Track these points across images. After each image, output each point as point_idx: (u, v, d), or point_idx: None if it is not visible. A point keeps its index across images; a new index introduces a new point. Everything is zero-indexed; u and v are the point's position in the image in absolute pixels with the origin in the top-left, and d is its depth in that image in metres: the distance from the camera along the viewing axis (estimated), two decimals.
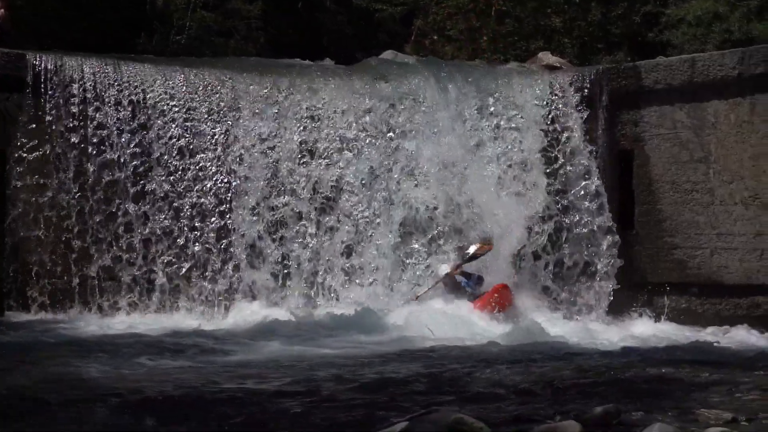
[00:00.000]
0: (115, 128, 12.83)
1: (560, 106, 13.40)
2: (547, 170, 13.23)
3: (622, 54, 18.17)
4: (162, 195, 12.83)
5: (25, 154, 12.59)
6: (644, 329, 12.09)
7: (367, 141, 13.28)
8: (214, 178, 12.98)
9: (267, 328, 11.30)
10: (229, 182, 12.99)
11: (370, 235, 13.03)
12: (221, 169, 12.99)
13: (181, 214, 12.83)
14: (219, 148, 13.04)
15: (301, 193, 13.05)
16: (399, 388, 7.66)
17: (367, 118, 13.36)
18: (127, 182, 12.77)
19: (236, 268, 12.83)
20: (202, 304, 12.74)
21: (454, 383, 7.93)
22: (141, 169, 12.85)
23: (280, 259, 12.90)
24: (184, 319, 12.24)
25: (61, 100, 12.72)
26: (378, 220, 13.08)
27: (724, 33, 16.36)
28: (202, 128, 13.06)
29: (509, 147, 13.34)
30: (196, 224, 12.86)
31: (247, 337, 10.81)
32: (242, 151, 13.07)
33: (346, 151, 13.21)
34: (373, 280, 12.79)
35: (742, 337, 11.82)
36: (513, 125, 13.41)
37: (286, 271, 12.87)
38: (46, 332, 11.11)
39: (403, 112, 13.44)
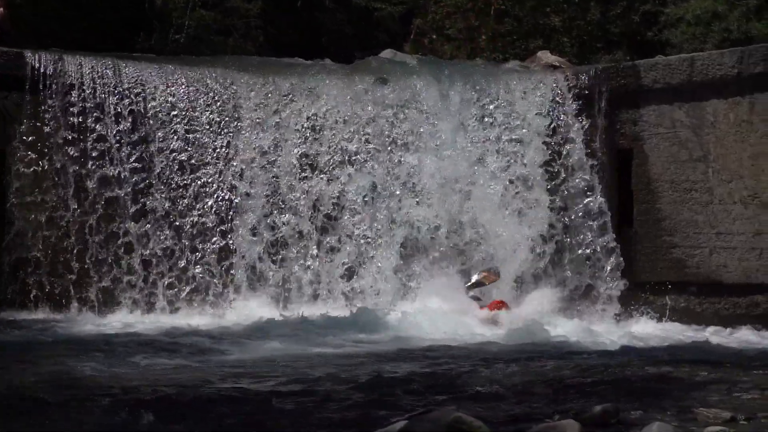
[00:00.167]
0: (114, 141, 12.70)
1: (561, 115, 13.24)
2: (549, 186, 13.05)
3: (621, 53, 18.16)
4: (163, 213, 12.70)
5: (23, 169, 12.47)
6: (643, 328, 12.09)
7: (370, 154, 13.07)
8: (215, 195, 12.83)
9: (264, 328, 11.25)
10: (230, 199, 12.82)
11: (372, 257, 12.81)
12: (222, 185, 12.81)
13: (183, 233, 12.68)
14: (221, 163, 12.86)
15: (302, 211, 12.86)
16: (397, 387, 7.65)
17: (370, 129, 13.15)
18: (127, 199, 12.62)
19: (237, 290, 12.66)
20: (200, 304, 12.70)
21: (452, 382, 7.93)
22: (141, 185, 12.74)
23: (281, 282, 12.69)
24: (182, 318, 12.17)
25: (59, 112, 12.59)
26: (380, 241, 12.86)
27: (723, 32, 16.34)
28: (204, 140, 12.90)
29: (511, 161, 13.14)
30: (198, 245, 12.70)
31: (244, 336, 10.77)
32: (243, 166, 12.89)
33: (348, 165, 13.01)
34: (374, 305, 12.38)
35: (740, 336, 11.82)
36: (515, 137, 13.22)
37: (286, 294, 12.68)
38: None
39: (404, 123, 13.22)
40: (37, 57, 12.74)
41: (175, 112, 12.96)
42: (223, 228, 12.81)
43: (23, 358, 8.98)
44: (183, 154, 12.88)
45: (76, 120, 12.69)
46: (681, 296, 12.81)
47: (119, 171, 12.68)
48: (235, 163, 12.92)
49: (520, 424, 6.15)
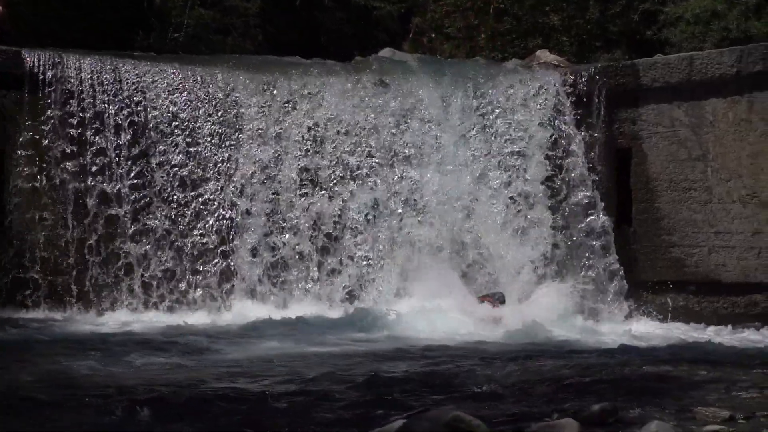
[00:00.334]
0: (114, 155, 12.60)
1: (562, 125, 13.12)
2: (550, 204, 12.91)
3: (620, 52, 18.16)
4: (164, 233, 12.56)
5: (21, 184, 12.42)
6: (642, 327, 12.08)
7: (372, 169, 12.90)
8: (216, 213, 12.69)
9: (260, 327, 11.21)
10: (231, 218, 12.69)
11: (373, 280, 12.63)
12: (223, 203, 12.66)
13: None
14: (222, 179, 12.72)
15: (302, 230, 12.69)
16: (395, 386, 7.64)
17: (373, 142, 12.99)
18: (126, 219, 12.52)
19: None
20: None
21: (451, 381, 7.93)
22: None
23: (281, 305, 12.49)
24: (180, 317, 12.15)
25: (58, 123, 12.53)
26: (381, 263, 12.71)
27: (723, 31, 16.34)
28: (206, 154, 12.76)
29: (512, 176, 12.98)
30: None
31: (241, 335, 10.75)
32: (243, 182, 12.76)
33: (350, 181, 12.83)
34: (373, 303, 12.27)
35: (739, 335, 11.82)
36: (516, 149, 13.06)
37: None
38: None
39: (406, 133, 13.04)
40: (35, 56, 12.72)
41: (176, 123, 12.84)
42: (224, 249, 12.65)
43: (21, 357, 8.98)
44: (184, 169, 12.74)
45: (75, 131, 12.59)
46: (680, 295, 12.81)
47: (119, 187, 12.60)
48: (235, 179, 12.77)
49: (519, 423, 6.15)
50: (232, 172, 12.79)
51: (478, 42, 19.57)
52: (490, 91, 13.43)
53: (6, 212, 12.43)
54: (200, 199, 12.70)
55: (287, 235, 12.71)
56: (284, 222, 12.74)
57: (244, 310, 12.18)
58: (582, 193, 13.00)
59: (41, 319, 11.91)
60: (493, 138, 13.16)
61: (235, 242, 12.66)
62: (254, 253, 12.67)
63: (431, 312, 11.62)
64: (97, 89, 12.76)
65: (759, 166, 12.42)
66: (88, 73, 12.80)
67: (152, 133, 12.73)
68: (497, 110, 13.27)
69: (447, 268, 12.58)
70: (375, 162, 12.96)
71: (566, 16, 19.39)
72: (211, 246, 12.65)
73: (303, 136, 12.96)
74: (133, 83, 12.88)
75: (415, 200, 12.90)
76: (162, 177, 12.65)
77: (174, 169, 12.72)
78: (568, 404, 6.78)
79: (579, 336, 11.08)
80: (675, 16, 17.27)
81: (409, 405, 6.73)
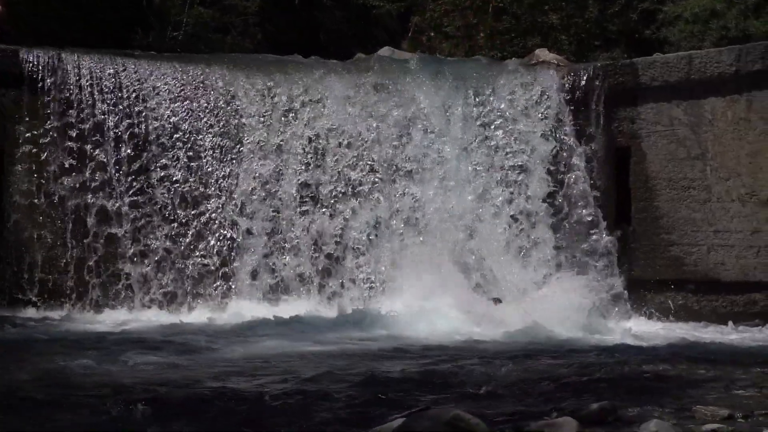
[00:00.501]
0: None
1: (563, 137, 13.00)
2: (552, 222, 12.75)
3: (619, 51, 18.19)
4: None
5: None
6: (641, 326, 12.06)
7: (375, 185, 12.74)
8: (217, 234, 12.56)
9: (257, 326, 11.17)
10: (232, 238, 12.56)
11: (377, 303, 12.26)
12: (224, 222, 12.52)
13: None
14: (224, 196, 12.60)
15: (303, 251, 12.50)
16: (394, 385, 7.64)
17: (375, 155, 12.89)
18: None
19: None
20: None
21: (450, 380, 7.92)
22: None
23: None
24: (177, 316, 12.12)
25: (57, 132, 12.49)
26: (383, 287, 12.51)
27: (721, 30, 16.37)
28: (208, 169, 12.66)
29: (515, 193, 12.80)
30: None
31: (239, 334, 10.70)
32: (243, 198, 12.61)
33: (352, 199, 12.66)
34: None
35: (738, 334, 11.82)
36: (519, 162, 12.89)
37: None
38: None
39: (407, 146, 12.88)
40: (34, 55, 12.70)
41: (177, 135, 12.74)
42: (225, 270, 12.54)
43: (18, 356, 8.98)
44: (185, 185, 12.62)
45: (75, 145, 12.55)
46: (678, 294, 12.81)
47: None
48: (235, 195, 12.65)
49: (518, 422, 6.15)
50: (233, 188, 12.67)
51: (477, 41, 19.59)
52: (491, 98, 13.27)
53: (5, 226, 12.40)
54: (202, 219, 12.58)
55: (287, 257, 12.57)
56: (285, 242, 12.58)
57: (241, 310, 12.15)
58: (584, 211, 12.86)
59: (38, 318, 11.93)
60: (494, 151, 13.01)
61: (235, 264, 12.54)
62: (254, 275, 12.53)
63: (430, 311, 11.59)
64: (97, 97, 12.70)
65: (758, 164, 12.43)
66: (87, 80, 12.75)
67: (152, 147, 12.63)
68: (498, 120, 13.14)
69: (447, 261, 12.50)
70: (378, 177, 12.79)
71: (565, 15, 19.42)
72: (213, 268, 12.53)
73: (304, 149, 12.82)
74: (134, 91, 12.81)
75: (416, 219, 12.70)
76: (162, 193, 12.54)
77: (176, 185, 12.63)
78: (567, 403, 6.78)
79: (578, 335, 11.07)
80: (674, 15, 17.31)
81: (409, 404, 6.73)
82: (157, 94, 12.81)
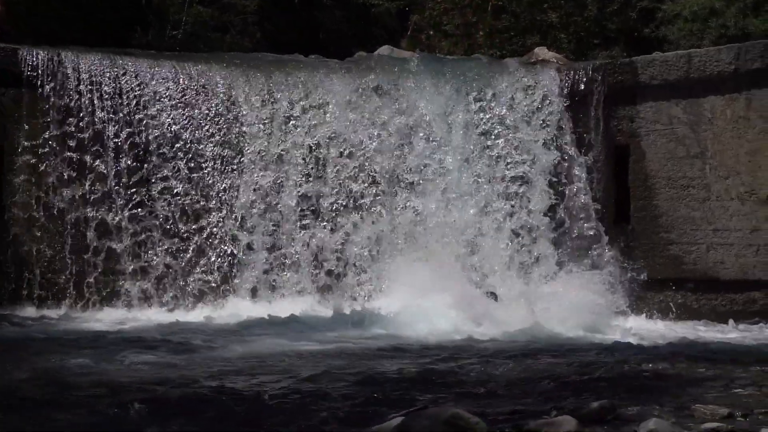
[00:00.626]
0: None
1: (564, 145, 12.88)
2: (553, 237, 12.62)
3: (619, 49, 18.19)
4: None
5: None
6: (640, 325, 12.06)
7: (378, 197, 12.60)
8: (217, 250, 12.46)
9: (257, 324, 11.15)
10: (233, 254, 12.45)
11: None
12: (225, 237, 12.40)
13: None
14: (225, 210, 12.50)
15: (303, 267, 12.38)
16: (393, 383, 7.64)
17: (377, 167, 12.76)
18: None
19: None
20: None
21: (449, 379, 7.92)
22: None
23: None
24: (174, 314, 12.09)
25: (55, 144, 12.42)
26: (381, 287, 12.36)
27: (720, 28, 16.36)
28: (209, 181, 12.54)
29: (516, 206, 12.66)
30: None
31: (236, 332, 10.68)
32: (243, 212, 12.50)
33: (353, 212, 12.49)
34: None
35: (738, 332, 11.83)
36: (520, 173, 12.76)
37: None
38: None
39: (409, 157, 12.76)
40: (33, 53, 12.69)
41: (178, 145, 12.65)
42: (226, 287, 12.45)
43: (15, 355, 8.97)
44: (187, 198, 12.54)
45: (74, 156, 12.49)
46: (678, 293, 12.80)
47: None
48: (236, 209, 12.55)
49: (517, 421, 6.15)
50: (233, 201, 12.57)
51: (476, 39, 19.59)
52: (491, 104, 13.16)
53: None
54: (204, 234, 12.47)
55: (288, 273, 12.47)
56: (285, 258, 12.47)
57: (238, 309, 12.12)
58: (586, 224, 12.77)
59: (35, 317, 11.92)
60: (495, 162, 12.91)
61: (236, 281, 12.46)
62: (254, 292, 12.42)
63: (428, 309, 11.54)
64: (97, 105, 12.65)
65: (757, 163, 12.43)
66: (87, 85, 12.70)
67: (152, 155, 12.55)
68: (498, 128, 13.04)
69: (447, 255, 12.44)
70: (380, 190, 12.66)
71: (564, 13, 19.42)
72: (213, 285, 12.46)
73: (304, 157, 12.71)
74: (135, 97, 12.74)
75: (418, 233, 12.56)
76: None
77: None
78: (567, 402, 6.78)
79: (578, 334, 11.07)
80: (673, 13, 17.30)
81: (407, 403, 6.72)
82: (159, 100, 12.76)
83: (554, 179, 12.90)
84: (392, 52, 15.75)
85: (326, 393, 7.23)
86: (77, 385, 7.36)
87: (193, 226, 12.49)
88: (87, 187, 12.41)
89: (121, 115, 12.59)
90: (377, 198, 12.72)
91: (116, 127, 12.56)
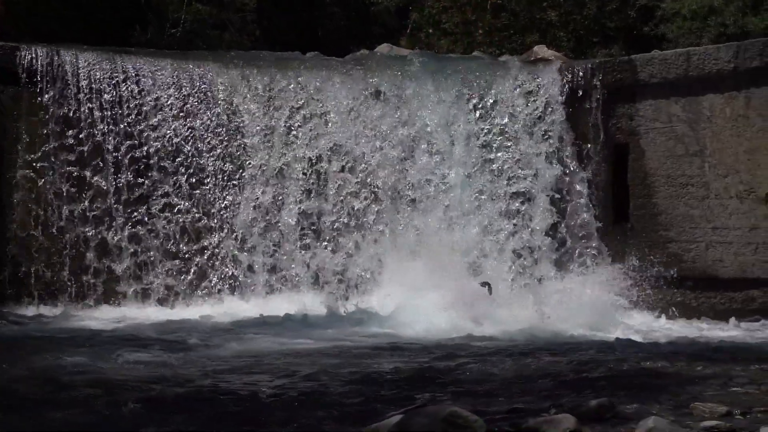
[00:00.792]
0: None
1: (565, 157, 12.77)
2: (555, 257, 12.51)
3: (618, 48, 18.21)
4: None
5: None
6: (639, 323, 12.06)
7: (381, 215, 12.47)
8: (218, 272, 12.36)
9: (254, 323, 11.12)
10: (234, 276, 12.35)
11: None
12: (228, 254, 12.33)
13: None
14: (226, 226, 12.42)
15: (303, 288, 12.29)
16: (391, 382, 7.63)
17: (379, 182, 12.61)
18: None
19: None
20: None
21: (448, 377, 7.91)
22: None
23: None
24: (173, 313, 12.06)
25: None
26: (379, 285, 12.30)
27: (720, 27, 16.36)
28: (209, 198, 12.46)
29: (518, 224, 12.50)
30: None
31: (233, 331, 10.64)
32: (243, 230, 12.41)
33: (355, 232, 12.33)
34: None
35: (736, 330, 11.81)
36: (522, 188, 12.64)
37: None
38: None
39: (411, 170, 12.58)
40: (33, 51, 12.67)
41: (179, 159, 12.62)
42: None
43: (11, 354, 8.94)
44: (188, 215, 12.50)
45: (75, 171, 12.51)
46: (677, 291, 12.79)
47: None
48: (237, 224, 12.50)
49: (516, 419, 6.13)
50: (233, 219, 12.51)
51: (475, 37, 19.60)
52: (492, 112, 13.01)
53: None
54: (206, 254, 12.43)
55: (286, 293, 12.36)
56: (285, 280, 12.40)
57: (235, 308, 12.08)
58: (587, 243, 12.68)
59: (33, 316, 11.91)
60: (497, 177, 12.75)
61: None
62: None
63: (426, 307, 11.48)
64: (96, 114, 12.66)
65: (756, 161, 12.42)
66: (87, 94, 12.69)
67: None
68: (499, 138, 12.89)
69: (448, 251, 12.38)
70: (382, 206, 12.55)
71: (563, 11, 19.42)
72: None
73: (305, 169, 12.61)
74: (135, 106, 12.72)
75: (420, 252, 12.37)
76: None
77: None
78: (566, 399, 6.77)
79: (577, 332, 11.05)
80: (672, 11, 17.29)
81: (406, 401, 6.71)
82: (160, 110, 12.73)
83: (557, 195, 12.73)
84: (392, 50, 15.75)
85: (323, 391, 7.22)
86: (73, 384, 7.33)
87: (195, 247, 12.44)
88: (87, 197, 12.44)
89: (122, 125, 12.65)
90: (379, 215, 12.57)
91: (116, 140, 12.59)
